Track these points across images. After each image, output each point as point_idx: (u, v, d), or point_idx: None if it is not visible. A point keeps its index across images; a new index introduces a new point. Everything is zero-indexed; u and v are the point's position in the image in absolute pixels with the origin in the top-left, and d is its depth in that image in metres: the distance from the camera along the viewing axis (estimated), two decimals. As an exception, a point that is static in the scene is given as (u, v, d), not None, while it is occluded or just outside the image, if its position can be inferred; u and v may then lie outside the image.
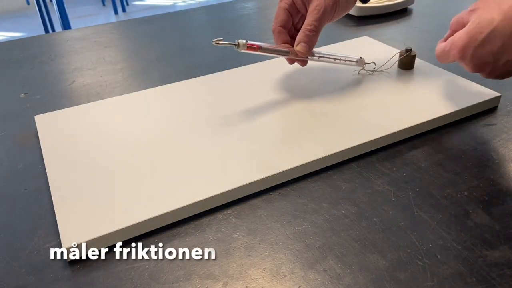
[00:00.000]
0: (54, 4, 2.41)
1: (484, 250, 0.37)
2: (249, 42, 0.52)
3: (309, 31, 0.54)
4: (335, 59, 0.60)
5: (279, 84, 0.61)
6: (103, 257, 0.38)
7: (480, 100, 0.55)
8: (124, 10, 3.53)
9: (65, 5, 2.43)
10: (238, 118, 0.54)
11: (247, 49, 0.53)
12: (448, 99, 0.56)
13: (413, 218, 0.41)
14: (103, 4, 3.69)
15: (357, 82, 0.61)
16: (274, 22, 0.56)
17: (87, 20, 3.35)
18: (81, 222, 0.40)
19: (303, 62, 0.58)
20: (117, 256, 0.38)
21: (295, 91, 0.59)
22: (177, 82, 0.63)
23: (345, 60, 0.61)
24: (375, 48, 0.71)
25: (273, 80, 0.61)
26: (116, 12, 3.47)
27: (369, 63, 0.63)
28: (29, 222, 0.42)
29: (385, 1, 0.88)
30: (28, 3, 3.76)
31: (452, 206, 0.42)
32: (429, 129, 0.53)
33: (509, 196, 0.43)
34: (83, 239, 0.38)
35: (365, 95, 0.58)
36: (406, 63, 0.63)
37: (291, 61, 0.59)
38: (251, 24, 0.88)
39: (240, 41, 0.52)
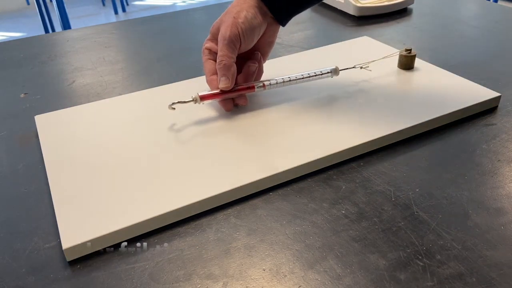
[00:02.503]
0: (54, 4, 2.41)
1: (484, 250, 0.37)
2: (202, 93, 0.52)
3: (218, 63, 0.52)
4: (309, 76, 0.58)
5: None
6: (103, 257, 0.38)
7: (480, 100, 0.55)
8: (124, 10, 3.52)
9: (65, 5, 2.43)
10: (238, 117, 0.54)
11: (205, 100, 0.53)
12: (448, 99, 0.56)
13: (413, 218, 0.41)
14: (103, 4, 3.69)
15: (357, 83, 0.61)
16: (205, 75, 0.55)
17: (87, 20, 3.35)
18: (81, 222, 0.40)
19: (243, 100, 0.55)
20: (117, 256, 0.38)
21: (295, 91, 0.59)
22: (177, 82, 0.63)
23: (321, 74, 0.58)
24: (375, 48, 0.71)
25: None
26: (116, 12, 3.47)
27: (367, 67, 0.61)
28: (29, 222, 0.42)
29: (385, 1, 0.89)
30: (28, 3, 3.76)
31: (452, 206, 0.42)
32: (429, 129, 0.53)
33: (509, 196, 0.43)
34: (83, 239, 0.38)
35: (365, 95, 0.58)
36: (406, 63, 0.63)
37: (243, 101, 0.55)
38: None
39: (194, 95, 0.52)
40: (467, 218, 0.41)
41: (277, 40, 0.79)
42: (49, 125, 0.55)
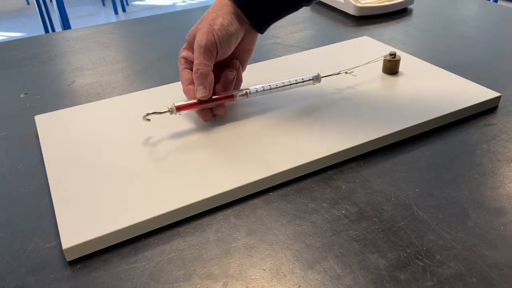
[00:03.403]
0: (54, 4, 2.41)
1: (484, 250, 0.37)
2: (178, 104, 0.51)
3: (195, 72, 0.50)
4: (290, 84, 0.56)
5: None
6: (103, 257, 0.38)
7: (480, 100, 0.55)
8: (124, 10, 3.52)
9: (65, 5, 2.42)
10: (238, 117, 0.54)
11: (182, 110, 0.51)
12: (448, 99, 0.56)
13: (413, 218, 0.41)
14: (103, 4, 3.69)
15: (356, 83, 0.61)
16: (182, 85, 0.53)
17: (87, 20, 3.35)
18: (81, 222, 0.40)
19: (222, 110, 0.53)
20: (117, 256, 0.38)
21: (295, 91, 0.59)
22: (177, 82, 0.63)
23: (302, 81, 0.57)
24: (375, 48, 0.71)
25: (271, 79, 0.61)
26: (116, 12, 3.47)
27: (352, 72, 0.60)
28: (29, 222, 0.42)
29: (385, 1, 0.89)
30: (28, 3, 3.76)
31: (452, 206, 0.42)
32: (429, 129, 0.53)
33: (509, 196, 0.43)
34: (83, 239, 0.38)
35: (364, 95, 0.58)
36: (390, 68, 0.62)
37: (223, 111, 0.54)
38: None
39: (170, 106, 0.51)
40: (467, 218, 0.41)
41: (277, 40, 0.79)
42: (49, 125, 0.55)
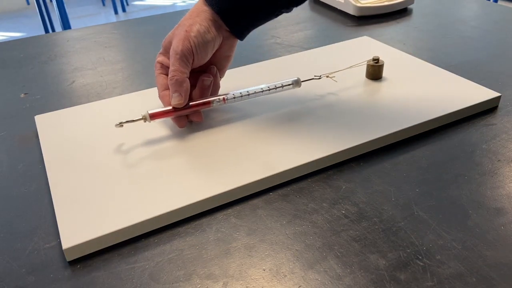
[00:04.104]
0: (54, 4, 2.41)
1: (484, 250, 0.37)
2: (152, 111, 0.50)
3: (170, 79, 0.49)
4: (269, 89, 0.55)
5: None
6: (103, 257, 0.38)
7: (480, 100, 0.55)
8: (124, 10, 3.52)
9: (65, 5, 2.42)
10: (238, 117, 0.54)
11: (156, 118, 0.50)
12: (448, 99, 0.56)
13: (413, 218, 0.41)
14: (103, 4, 3.69)
15: (356, 83, 0.61)
16: (158, 90, 0.53)
17: (87, 20, 3.35)
18: (81, 222, 0.40)
19: (198, 116, 0.52)
20: (117, 256, 0.38)
21: (294, 91, 0.59)
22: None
23: (282, 86, 0.56)
24: (375, 48, 0.71)
25: (270, 80, 0.61)
26: (116, 12, 3.47)
27: (333, 77, 0.59)
28: (29, 222, 0.42)
29: (385, 1, 0.89)
30: (28, 3, 3.76)
31: (452, 206, 0.42)
32: (429, 129, 0.53)
33: (509, 196, 0.43)
34: (83, 239, 0.38)
35: (364, 95, 0.58)
36: (374, 73, 0.61)
37: (199, 118, 0.53)
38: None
39: (144, 113, 0.50)
40: (467, 218, 0.41)
41: (277, 40, 0.79)
42: (49, 125, 0.55)
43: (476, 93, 0.57)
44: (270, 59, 0.69)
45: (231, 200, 0.44)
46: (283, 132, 0.51)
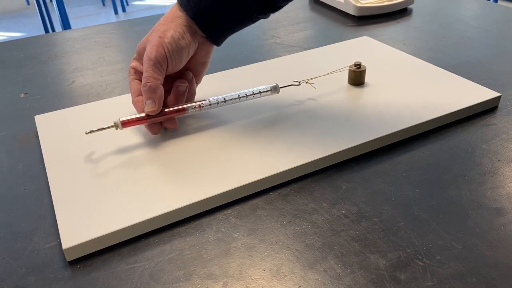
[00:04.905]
0: (54, 4, 2.41)
1: (484, 250, 0.37)
2: (124, 119, 0.48)
3: (143, 85, 0.48)
4: (246, 96, 0.54)
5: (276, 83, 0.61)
6: (103, 257, 0.38)
7: (480, 100, 0.55)
8: (124, 10, 3.52)
9: (65, 5, 2.42)
10: (238, 117, 0.54)
11: (128, 125, 0.49)
12: (448, 99, 0.56)
13: (413, 218, 0.41)
14: (103, 4, 3.69)
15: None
16: (131, 96, 0.52)
17: (87, 20, 3.35)
18: (81, 222, 0.40)
19: (172, 123, 0.51)
20: (117, 256, 0.38)
21: (294, 92, 0.59)
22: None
23: (259, 92, 0.55)
24: (375, 48, 0.71)
25: (271, 80, 0.61)
26: (116, 12, 3.47)
27: (313, 83, 0.59)
28: (29, 222, 0.42)
29: (385, 1, 0.89)
30: (28, 3, 3.76)
31: (452, 206, 0.42)
32: (429, 129, 0.53)
33: (509, 196, 0.43)
34: (83, 239, 0.38)
35: (363, 95, 0.58)
36: (355, 78, 0.60)
37: (173, 124, 0.51)
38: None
39: (116, 121, 0.49)
40: (467, 218, 0.41)
41: (277, 40, 0.79)
42: (49, 125, 0.55)
43: (476, 93, 0.57)
44: (270, 59, 0.69)
45: (231, 200, 0.44)
46: (282, 132, 0.51)
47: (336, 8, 0.92)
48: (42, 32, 2.59)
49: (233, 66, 0.67)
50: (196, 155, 0.48)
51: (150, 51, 0.48)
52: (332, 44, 0.73)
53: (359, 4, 0.87)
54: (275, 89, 0.56)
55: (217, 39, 0.51)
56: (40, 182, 0.47)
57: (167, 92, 0.51)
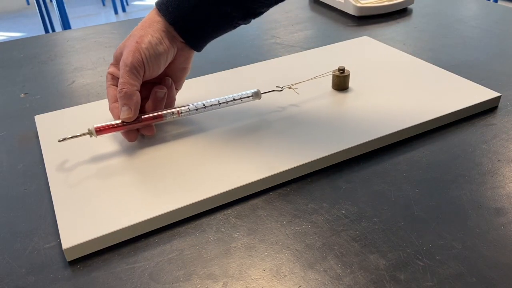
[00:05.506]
0: (54, 4, 2.41)
1: (484, 250, 0.37)
2: (98, 126, 0.47)
3: (119, 91, 0.47)
4: (226, 102, 0.53)
5: (275, 84, 0.61)
6: (103, 257, 0.38)
7: (480, 100, 0.55)
8: (124, 10, 3.52)
9: (65, 5, 2.42)
10: (238, 117, 0.54)
11: (102, 133, 0.48)
12: (448, 99, 0.56)
13: (413, 218, 0.41)
14: (103, 4, 3.69)
15: (354, 83, 0.61)
16: (108, 103, 0.50)
17: (87, 20, 3.35)
18: (81, 222, 0.40)
19: (150, 130, 0.50)
20: (117, 256, 0.38)
21: (293, 92, 0.59)
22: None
23: (240, 98, 0.54)
24: (375, 48, 0.71)
25: (269, 81, 0.61)
26: (116, 12, 3.47)
27: (296, 88, 0.58)
28: (29, 222, 0.42)
29: (385, 1, 0.89)
30: (28, 3, 3.76)
31: (452, 206, 0.42)
32: (429, 129, 0.53)
33: (509, 196, 0.43)
34: (83, 239, 0.38)
35: (362, 96, 0.58)
36: (339, 83, 0.59)
37: (150, 132, 0.50)
38: (250, 23, 0.87)
39: (91, 128, 0.48)
40: (467, 218, 0.41)
41: (277, 40, 0.79)
42: (49, 125, 0.55)
43: (476, 93, 0.57)
44: (270, 59, 0.69)
45: (231, 200, 0.44)
46: (282, 132, 0.51)
47: (336, 8, 0.92)
48: (42, 32, 2.59)
49: (233, 66, 0.67)
50: (195, 156, 0.48)
51: (127, 57, 0.47)
52: (332, 44, 0.73)
53: (359, 4, 0.87)
54: (256, 94, 0.55)
55: (197, 44, 0.50)
56: (40, 182, 0.47)
57: (145, 98, 0.50)
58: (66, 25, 2.42)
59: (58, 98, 0.64)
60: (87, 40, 0.84)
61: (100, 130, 0.48)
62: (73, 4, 3.63)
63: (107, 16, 3.47)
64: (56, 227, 0.41)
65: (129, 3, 3.69)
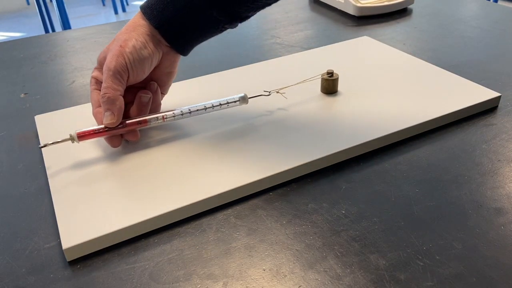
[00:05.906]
0: (54, 4, 2.41)
1: (484, 250, 0.37)
2: (80, 131, 0.46)
3: (102, 96, 0.46)
4: (212, 106, 0.52)
5: (275, 84, 0.61)
6: (103, 257, 0.38)
7: (480, 100, 0.55)
8: (124, 10, 3.52)
9: (65, 5, 2.42)
10: (238, 117, 0.54)
11: (85, 139, 0.47)
12: (448, 99, 0.56)
13: (413, 218, 0.41)
14: (103, 4, 3.69)
15: (354, 83, 0.61)
16: (92, 107, 0.50)
17: (87, 20, 3.34)
18: (81, 222, 0.40)
19: (134, 135, 0.49)
20: (117, 256, 0.38)
21: (294, 92, 0.59)
22: (176, 82, 0.63)
23: (227, 103, 0.53)
24: (375, 48, 0.71)
25: (269, 80, 0.61)
26: (116, 12, 3.47)
27: (284, 92, 0.57)
28: (29, 222, 0.42)
29: (385, 1, 0.89)
30: (28, 3, 3.76)
31: (452, 206, 0.42)
32: (429, 129, 0.53)
33: (509, 196, 0.43)
34: (83, 239, 0.38)
35: (362, 96, 0.58)
36: (328, 87, 0.58)
37: (134, 137, 0.50)
38: (250, 23, 0.88)
39: (73, 133, 0.47)
40: (467, 218, 0.41)
41: (277, 40, 0.79)
42: (49, 125, 0.55)
43: (476, 93, 0.57)
44: (270, 59, 0.69)
45: (231, 200, 0.44)
46: (282, 132, 0.51)
47: (336, 8, 0.92)
48: (42, 32, 2.59)
49: (233, 66, 0.67)
50: (194, 157, 0.48)
51: (110, 61, 0.46)
52: (332, 44, 0.73)
53: (359, 4, 0.87)
54: (243, 99, 0.54)
55: (182, 48, 0.50)
56: (40, 182, 0.47)
57: (130, 103, 0.49)
58: (66, 25, 2.42)
59: (58, 98, 0.64)
60: (87, 40, 0.84)
61: (82, 136, 0.47)
62: (73, 4, 3.63)
63: (107, 16, 3.47)
64: (56, 227, 0.41)
65: (129, 3, 3.69)
